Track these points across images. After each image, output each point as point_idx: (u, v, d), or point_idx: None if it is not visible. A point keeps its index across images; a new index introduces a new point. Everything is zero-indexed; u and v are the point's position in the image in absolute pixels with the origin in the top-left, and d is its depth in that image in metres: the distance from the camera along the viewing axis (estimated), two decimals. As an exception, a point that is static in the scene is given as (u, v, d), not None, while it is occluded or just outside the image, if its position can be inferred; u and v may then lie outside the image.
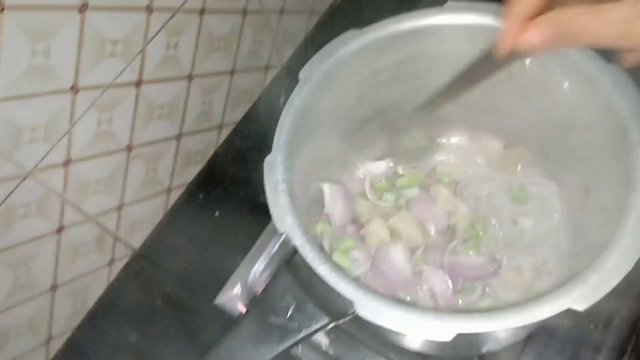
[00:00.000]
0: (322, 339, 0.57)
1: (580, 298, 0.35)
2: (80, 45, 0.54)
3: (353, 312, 0.38)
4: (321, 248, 0.40)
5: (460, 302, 0.50)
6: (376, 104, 0.54)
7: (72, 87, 0.55)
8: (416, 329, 0.36)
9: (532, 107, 0.51)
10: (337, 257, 0.51)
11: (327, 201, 0.55)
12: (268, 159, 0.44)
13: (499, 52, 0.37)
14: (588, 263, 0.37)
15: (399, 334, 0.39)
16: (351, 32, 0.49)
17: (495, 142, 0.59)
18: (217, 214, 0.75)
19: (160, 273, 0.72)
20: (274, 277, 0.40)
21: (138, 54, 0.61)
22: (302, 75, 0.47)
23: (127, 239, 0.71)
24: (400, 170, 0.58)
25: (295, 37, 0.86)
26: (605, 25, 0.31)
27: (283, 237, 0.42)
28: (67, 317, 0.68)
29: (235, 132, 0.81)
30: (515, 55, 0.37)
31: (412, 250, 0.53)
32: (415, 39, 0.49)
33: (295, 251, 0.41)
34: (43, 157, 0.56)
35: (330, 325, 0.38)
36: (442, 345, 0.46)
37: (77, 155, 0.60)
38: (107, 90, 0.59)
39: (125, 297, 0.71)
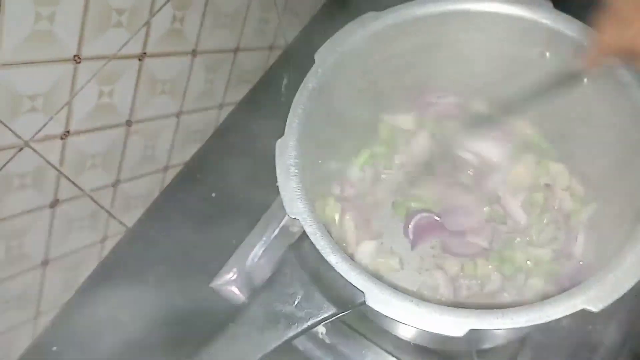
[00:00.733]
0: (319, 327, 0.56)
1: (595, 299, 0.35)
2: (85, 13, 0.52)
3: (362, 303, 0.37)
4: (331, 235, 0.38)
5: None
6: (389, 89, 0.52)
7: (74, 57, 0.54)
8: (427, 323, 0.35)
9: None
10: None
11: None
12: (280, 142, 0.43)
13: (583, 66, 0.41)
14: (604, 264, 0.36)
15: (399, 325, 0.38)
16: (370, 14, 0.48)
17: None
18: (213, 194, 0.73)
19: (153, 252, 0.70)
20: (281, 264, 0.39)
21: (143, 25, 0.59)
22: (317, 56, 0.46)
23: (121, 216, 0.70)
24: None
25: (302, 17, 0.84)
26: None
27: (284, 221, 0.40)
28: (57, 293, 0.66)
29: (235, 113, 0.79)
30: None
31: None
32: (434, 25, 0.48)
33: (303, 238, 0.40)
34: (41, 128, 0.54)
35: (338, 315, 0.37)
36: (444, 339, 0.46)
37: (76, 127, 0.58)
38: (109, 62, 0.57)
39: (116, 275, 0.69)
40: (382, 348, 0.54)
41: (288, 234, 0.61)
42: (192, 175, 0.75)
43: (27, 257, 0.60)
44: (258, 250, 0.61)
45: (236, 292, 0.60)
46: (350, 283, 0.36)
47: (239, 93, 0.79)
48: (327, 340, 0.55)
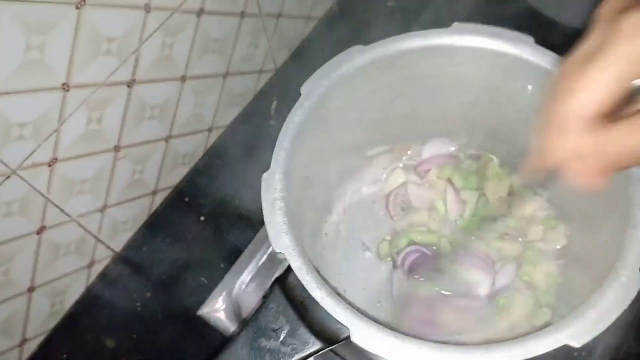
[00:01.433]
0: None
1: (577, 334, 0.35)
2: (75, 42, 0.53)
3: (347, 338, 0.37)
4: (317, 270, 0.39)
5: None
6: (376, 122, 0.53)
7: (63, 85, 0.54)
8: (412, 360, 0.35)
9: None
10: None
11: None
12: (266, 175, 0.43)
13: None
14: (585, 298, 0.37)
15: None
16: (356, 48, 0.48)
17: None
18: (202, 218, 0.73)
19: (141, 278, 0.70)
20: (267, 298, 0.39)
21: (133, 53, 0.59)
22: (303, 90, 0.46)
23: (109, 241, 0.69)
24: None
25: (291, 42, 0.85)
26: None
27: (271, 248, 0.40)
28: (43, 319, 0.66)
29: (224, 136, 0.80)
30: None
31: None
32: (420, 58, 0.49)
33: (289, 271, 0.40)
34: (29, 155, 0.54)
35: (323, 350, 0.37)
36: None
37: (64, 154, 0.58)
38: (98, 89, 0.57)
39: (103, 301, 0.69)
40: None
41: (276, 260, 0.61)
42: (180, 199, 0.75)
43: (13, 284, 0.60)
44: (246, 277, 0.61)
45: (224, 320, 0.60)
46: (335, 318, 0.37)
47: (229, 116, 0.80)
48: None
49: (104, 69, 0.57)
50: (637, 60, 0.27)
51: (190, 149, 0.76)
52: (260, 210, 0.47)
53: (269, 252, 0.62)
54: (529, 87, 0.48)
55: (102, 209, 0.66)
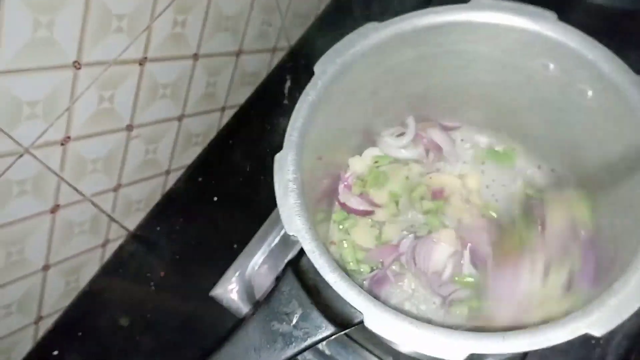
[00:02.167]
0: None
1: (598, 323, 0.34)
2: (85, 20, 0.52)
3: (360, 322, 0.36)
4: (330, 253, 0.38)
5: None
6: (389, 100, 0.52)
7: (74, 63, 0.53)
8: (426, 347, 0.35)
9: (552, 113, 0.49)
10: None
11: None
12: (278, 157, 0.42)
13: None
14: (606, 287, 0.36)
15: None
16: (370, 25, 0.47)
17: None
18: (215, 199, 0.73)
19: (155, 257, 0.70)
20: (279, 281, 0.38)
21: (144, 30, 0.58)
22: (317, 68, 0.45)
23: (123, 221, 0.69)
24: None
25: (305, 19, 0.83)
26: None
27: (284, 229, 0.40)
28: (58, 298, 0.66)
29: (238, 115, 0.79)
30: None
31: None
32: (436, 35, 0.47)
33: (302, 254, 0.39)
34: (41, 134, 0.54)
35: (336, 335, 0.37)
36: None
37: (76, 133, 0.57)
38: (110, 67, 0.57)
39: (118, 279, 0.69)
40: (382, 360, 0.54)
41: (289, 242, 0.60)
42: (194, 179, 0.75)
43: (27, 262, 0.60)
44: (258, 258, 0.61)
45: (236, 301, 0.60)
46: (349, 303, 0.36)
47: (242, 96, 0.79)
48: (327, 352, 0.55)
49: (115, 46, 0.56)
50: None
51: (204, 129, 0.75)
52: (273, 192, 0.46)
53: (282, 233, 0.61)
54: (551, 66, 0.46)
55: (116, 188, 0.66)
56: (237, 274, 0.61)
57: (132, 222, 0.71)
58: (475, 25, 0.46)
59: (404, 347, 0.48)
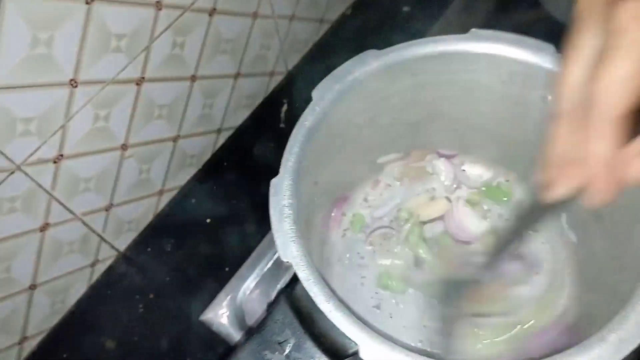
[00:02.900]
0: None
1: (599, 359, 0.34)
2: (84, 38, 0.52)
3: (355, 353, 0.36)
4: (326, 281, 0.37)
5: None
6: (387, 128, 0.52)
7: (71, 81, 0.53)
8: (421, 380, 0.34)
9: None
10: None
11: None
12: (274, 182, 0.42)
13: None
14: (606, 321, 0.35)
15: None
16: (370, 52, 0.47)
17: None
18: (208, 221, 0.72)
19: (145, 279, 0.69)
20: (272, 309, 0.37)
21: (143, 51, 0.58)
22: (315, 94, 0.45)
23: (113, 241, 0.68)
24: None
25: (303, 44, 0.84)
26: None
27: (277, 254, 0.39)
28: (44, 318, 0.65)
29: (234, 138, 0.78)
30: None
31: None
32: (435, 64, 0.47)
33: (296, 281, 0.39)
34: (34, 152, 0.53)
35: (329, 366, 0.36)
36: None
37: (70, 151, 0.57)
38: (107, 87, 0.56)
39: (105, 301, 0.68)
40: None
41: (282, 267, 0.60)
42: (187, 200, 0.74)
43: (14, 281, 0.59)
44: (250, 283, 0.60)
45: (227, 327, 0.58)
46: (344, 333, 0.35)
47: (238, 118, 0.79)
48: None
49: (113, 66, 0.56)
50: None
51: (199, 150, 0.75)
52: (267, 215, 0.45)
53: (274, 258, 0.61)
54: (549, 98, 0.46)
55: (108, 208, 0.65)
56: (228, 298, 0.60)
57: (123, 243, 0.70)
58: (474, 56, 0.46)
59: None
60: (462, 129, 0.53)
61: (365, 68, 0.46)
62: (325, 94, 0.45)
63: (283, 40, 0.78)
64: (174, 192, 0.74)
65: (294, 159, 0.42)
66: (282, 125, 0.79)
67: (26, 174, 0.54)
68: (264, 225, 0.65)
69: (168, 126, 0.67)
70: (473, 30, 0.47)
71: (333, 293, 0.36)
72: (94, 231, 0.65)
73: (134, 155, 0.65)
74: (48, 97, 0.52)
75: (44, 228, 0.59)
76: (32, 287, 0.61)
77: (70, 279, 0.65)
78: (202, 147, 0.75)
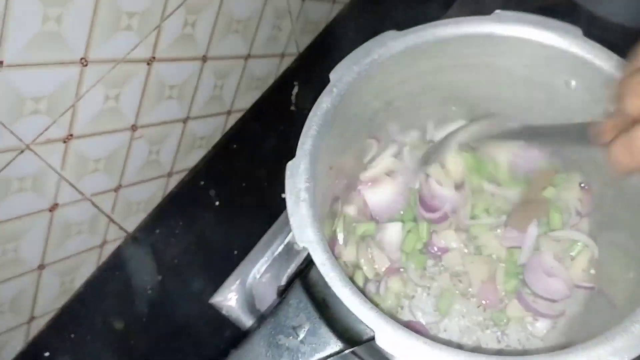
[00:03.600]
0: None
1: (621, 350, 0.33)
2: (94, 15, 0.51)
3: (371, 339, 0.35)
4: (342, 267, 0.37)
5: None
6: (405, 110, 0.51)
7: (81, 59, 0.52)
8: (439, 368, 0.33)
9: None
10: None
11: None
12: (291, 164, 0.41)
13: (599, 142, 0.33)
14: (629, 313, 0.34)
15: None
16: (389, 33, 0.46)
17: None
18: (217, 203, 0.71)
19: (153, 260, 0.68)
20: (287, 293, 0.37)
21: (154, 29, 0.57)
22: (333, 75, 0.44)
23: (122, 222, 0.68)
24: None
25: (316, 25, 0.82)
26: None
27: (288, 237, 0.38)
28: (53, 298, 0.64)
29: (243, 120, 0.77)
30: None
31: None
32: (457, 47, 0.46)
33: (310, 266, 0.38)
34: (44, 131, 0.53)
35: (344, 352, 0.35)
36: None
37: (79, 131, 0.56)
38: (117, 66, 0.55)
39: (114, 282, 0.67)
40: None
41: (292, 251, 0.59)
42: (196, 182, 0.73)
43: (23, 261, 0.58)
44: (261, 266, 0.59)
45: (236, 310, 0.58)
46: (360, 319, 0.35)
47: (248, 100, 0.78)
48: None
49: (123, 45, 0.55)
50: None
51: (208, 132, 0.74)
52: (277, 199, 0.44)
53: (285, 242, 0.60)
54: (573, 83, 0.45)
55: (117, 189, 0.65)
56: (238, 281, 0.59)
57: (132, 224, 0.70)
58: (497, 38, 0.45)
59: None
60: (481, 115, 0.52)
61: (383, 49, 0.45)
62: (343, 76, 0.44)
63: (295, 21, 0.77)
64: (183, 174, 0.73)
65: (310, 142, 0.41)
66: (292, 107, 0.78)
67: (35, 153, 0.53)
68: (274, 208, 0.65)
69: (178, 107, 0.67)
70: (497, 11, 0.46)
71: (350, 278, 0.36)
72: (102, 212, 0.64)
73: (144, 136, 0.64)
74: (58, 75, 0.51)
75: (53, 208, 0.58)
76: (41, 267, 0.61)
77: (78, 260, 0.65)
78: (212, 129, 0.74)
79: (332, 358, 0.36)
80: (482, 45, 0.46)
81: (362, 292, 0.36)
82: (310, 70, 0.81)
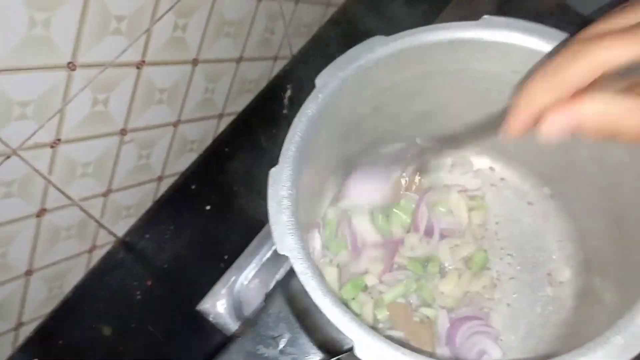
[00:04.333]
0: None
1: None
2: (83, 19, 0.50)
3: (349, 350, 0.34)
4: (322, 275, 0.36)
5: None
6: (392, 118, 0.50)
7: (69, 64, 0.51)
8: (419, 379, 0.33)
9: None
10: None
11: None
12: (274, 171, 0.40)
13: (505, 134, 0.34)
14: (610, 324, 0.34)
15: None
16: (377, 39, 0.45)
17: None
18: (208, 208, 0.71)
19: (142, 266, 0.68)
20: (268, 302, 0.36)
21: (143, 33, 0.57)
22: (318, 81, 0.44)
23: (111, 227, 0.67)
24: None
25: (309, 28, 0.82)
26: None
27: (274, 248, 0.38)
28: (40, 303, 0.64)
29: (235, 123, 0.77)
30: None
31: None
32: (445, 52, 0.46)
33: (292, 275, 0.37)
34: (31, 136, 0.52)
35: (324, 362, 0.35)
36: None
37: (67, 135, 0.56)
38: (106, 70, 0.55)
39: (103, 287, 0.67)
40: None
41: (281, 257, 0.58)
42: (187, 186, 0.73)
43: (10, 267, 0.58)
44: (249, 273, 0.59)
45: (224, 316, 0.58)
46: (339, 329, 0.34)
47: (240, 103, 0.77)
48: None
49: (112, 48, 0.55)
50: None
51: (199, 136, 0.73)
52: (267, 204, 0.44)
53: (273, 248, 0.59)
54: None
55: (106, 194, 0.64)
56: (225, 288, 0.59)
57: (121, 229, 0.69)
58: (486, 44, 0.45)
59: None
60: (470, 120, 0.52)
61: (371, 55, 0.45)
62: (329, 81, 0.44)
63: (288, 23, 0.77)
64: (174, 178, 0.73)
65: (294, 148, 0.41)
66: (285, 111, 0.77)
67: (22, 158, 0.53)
68: (264, 214, 0.64)
69: (169, 111, 0.66)
70: (485, 16, 0.45)
71: (331, 289, 0.35)
72: (91, 217, 0.64)
73: (134, 140, 0.63)
74: (45, 80, 0.51)
75: (40, 213, 0.58)
76: (29, 272, 0.60)
77: (67, 265, 0.64)
78: (203, 133, 0.74)
79: (312, 368, 0.35)
80: (471, 50, 0.45)
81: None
82: (303, 74, 0.80)
